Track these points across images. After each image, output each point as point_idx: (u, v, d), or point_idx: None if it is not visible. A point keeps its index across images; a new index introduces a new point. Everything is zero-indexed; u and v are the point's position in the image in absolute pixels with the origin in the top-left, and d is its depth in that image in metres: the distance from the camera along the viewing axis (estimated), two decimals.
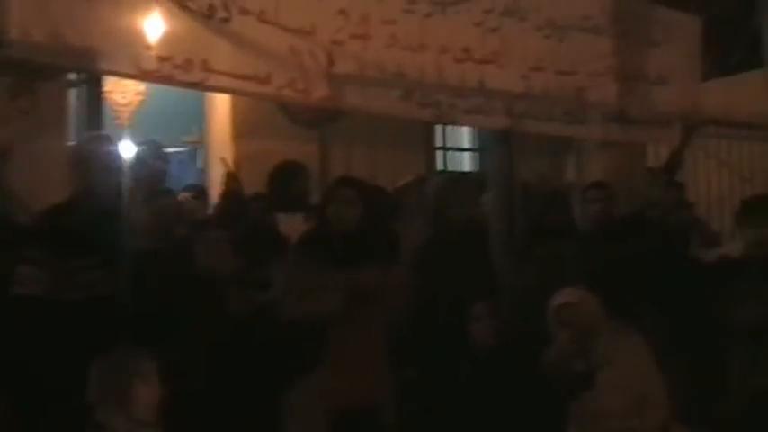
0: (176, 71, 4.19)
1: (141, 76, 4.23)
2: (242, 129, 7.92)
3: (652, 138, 6.41)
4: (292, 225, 5.03)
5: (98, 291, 3.51)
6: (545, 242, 5.05)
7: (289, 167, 5.58)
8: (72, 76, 4.64)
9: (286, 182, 5.43)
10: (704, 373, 4.48)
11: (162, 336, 3.61)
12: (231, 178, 5.95)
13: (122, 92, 8.10)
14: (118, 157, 3.95)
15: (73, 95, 4.68)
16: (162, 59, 4.12)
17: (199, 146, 8.78)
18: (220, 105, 8.08)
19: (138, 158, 5.01)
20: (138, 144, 5.30)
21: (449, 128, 9.50)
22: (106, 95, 8.03)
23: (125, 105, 8.16)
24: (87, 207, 3.71)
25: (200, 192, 6.05)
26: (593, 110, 5.72)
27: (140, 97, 8.19)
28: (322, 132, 5.68)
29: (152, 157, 5.11)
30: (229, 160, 7.75)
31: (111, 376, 3.16)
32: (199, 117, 8.36)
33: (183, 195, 5.67)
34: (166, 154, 5.57)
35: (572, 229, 5.48)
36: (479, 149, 10.01)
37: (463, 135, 10.05)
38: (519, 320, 4.65)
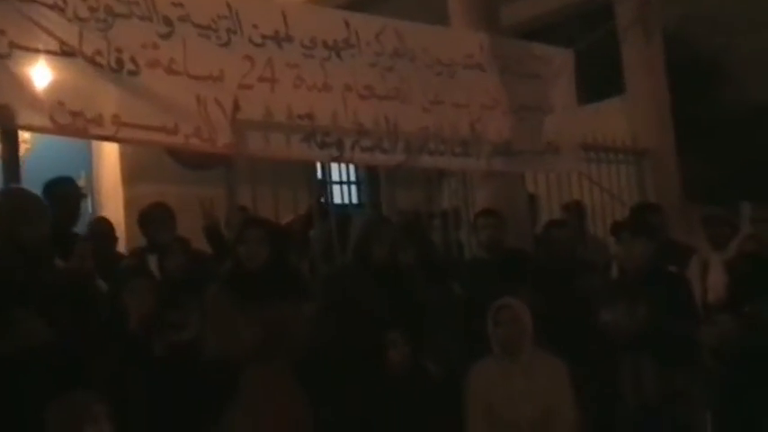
0: (89, 125, 4.27)
1: (56, 130, 4.29)
2: (132, 172, 7.95)
3: (534, 167, 6.76)
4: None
5: (33, 340, 3.49)
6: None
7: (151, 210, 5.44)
8: None
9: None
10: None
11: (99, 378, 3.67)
12: None
13: None
14: (40, 206, 3.92)
15: None
16: (74, 114, 4.21)
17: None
18: (108, 149, 8.07)
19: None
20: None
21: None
22: None
23: None
24: (12, 258, 3.69)
25: None
26: (482, 142, 6.05)
27: (26, 145, 8.07)
28: (221, 173, 5.71)
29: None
30: (119, 204, 7.75)
31: (65, 422, 3.21)
32: (86, 162, 8.31)
33: None
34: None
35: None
36: (358, 183, 10.55)
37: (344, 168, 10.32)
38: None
